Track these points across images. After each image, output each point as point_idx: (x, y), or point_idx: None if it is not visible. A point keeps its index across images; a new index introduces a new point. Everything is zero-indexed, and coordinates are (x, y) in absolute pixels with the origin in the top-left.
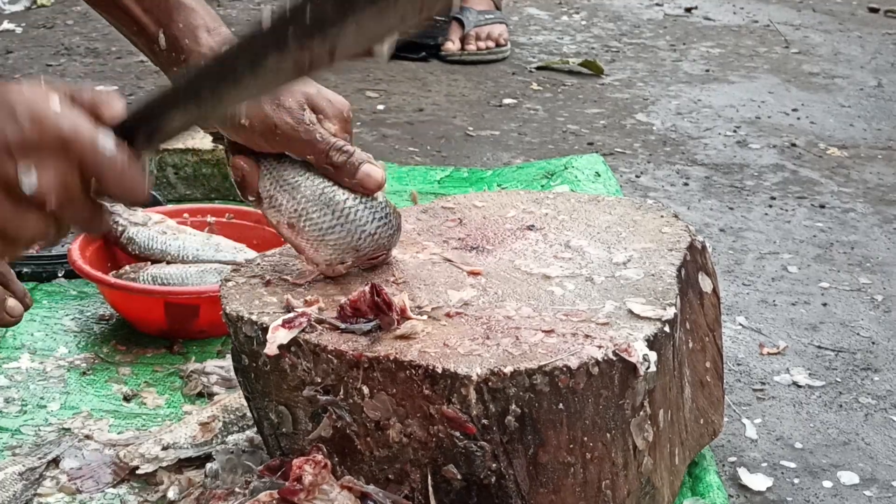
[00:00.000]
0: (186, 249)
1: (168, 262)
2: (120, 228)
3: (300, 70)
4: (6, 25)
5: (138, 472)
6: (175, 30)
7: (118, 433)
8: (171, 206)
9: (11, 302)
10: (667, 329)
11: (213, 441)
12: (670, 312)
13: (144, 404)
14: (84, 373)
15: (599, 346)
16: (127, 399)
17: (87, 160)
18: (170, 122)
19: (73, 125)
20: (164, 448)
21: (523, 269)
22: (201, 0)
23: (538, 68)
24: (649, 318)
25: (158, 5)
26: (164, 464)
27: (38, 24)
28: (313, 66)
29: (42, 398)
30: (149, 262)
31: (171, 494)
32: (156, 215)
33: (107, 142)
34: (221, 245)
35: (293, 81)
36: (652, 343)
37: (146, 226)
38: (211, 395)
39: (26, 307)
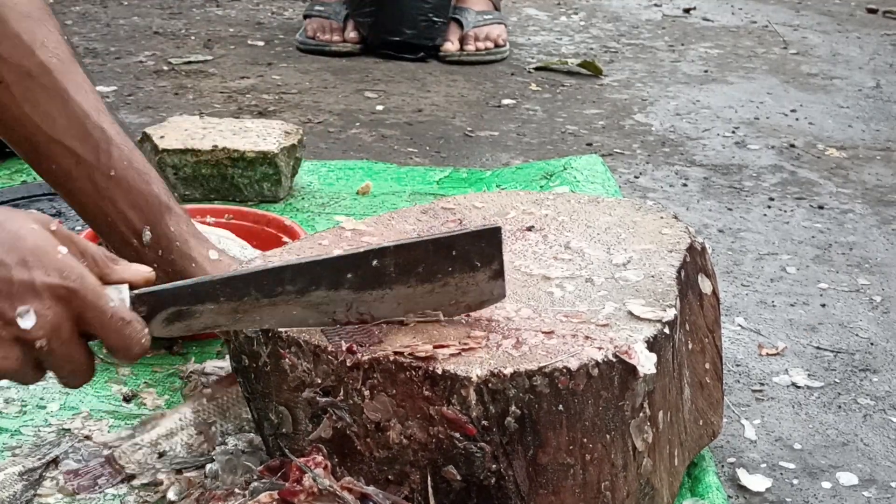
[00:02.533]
0: None
1: None
2: None
3: (338, 318)
4: None
5: (134, 482)
6: (164, 230)
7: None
8: None
9: None
10: (667, 330)
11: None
12: (670, 314)
13: (144, 405)
14: None
15: (599, 348)
16: (126, 399)
17: (87, 313)
18: (197, 315)
19: (80, 276)
20: (160, 455)
21: (523, 269)
22: (185, 211)
23: (537, 69)
24: (649, 320)
25: (148, 203)
26: (161, 474)
27: None
28: (352, 316)
29: (42, 398)
30: None
31: (170, 495)
32: None
33: (111, 297)
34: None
35: (327, 323)
36: (652, 344)
37: None
38: None
39: None
